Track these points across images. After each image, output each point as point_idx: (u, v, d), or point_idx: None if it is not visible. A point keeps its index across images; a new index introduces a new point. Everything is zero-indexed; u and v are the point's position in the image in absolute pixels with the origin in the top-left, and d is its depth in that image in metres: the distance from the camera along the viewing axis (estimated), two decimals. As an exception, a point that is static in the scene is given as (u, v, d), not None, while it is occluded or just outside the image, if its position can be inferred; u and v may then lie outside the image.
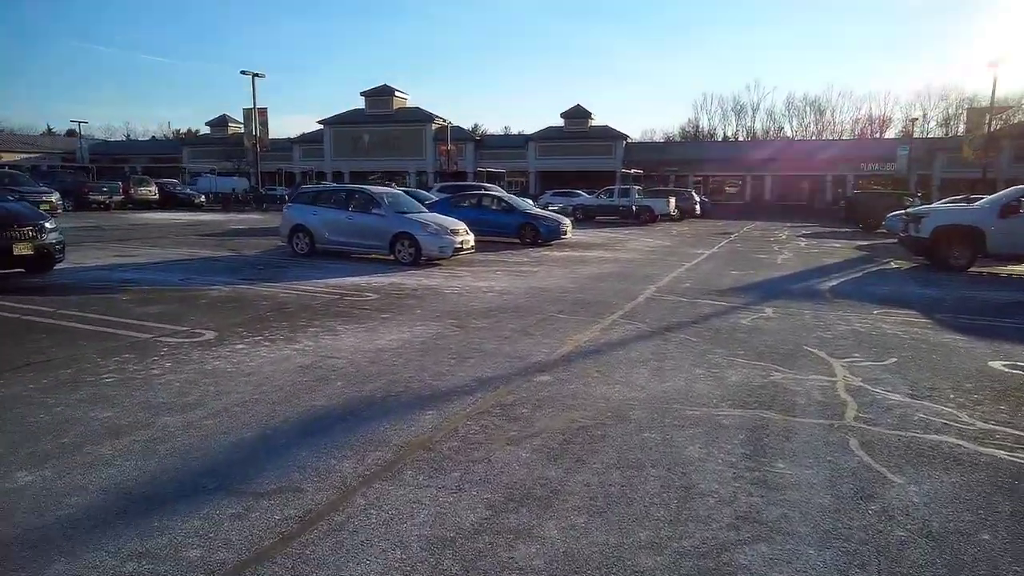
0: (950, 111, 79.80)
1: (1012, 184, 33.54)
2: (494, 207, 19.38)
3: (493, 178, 37.77)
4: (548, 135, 63.56)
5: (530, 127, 66.64)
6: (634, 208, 31.02)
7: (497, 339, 7.13)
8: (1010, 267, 15.48)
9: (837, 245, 21.99)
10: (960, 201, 22.11)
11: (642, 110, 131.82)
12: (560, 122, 63.97)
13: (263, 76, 38.60)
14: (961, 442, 4.42)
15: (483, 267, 13.57)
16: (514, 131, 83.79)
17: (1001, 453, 4.24)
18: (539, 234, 18.49)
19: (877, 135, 76.90)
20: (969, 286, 12.39)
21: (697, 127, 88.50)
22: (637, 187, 33.65)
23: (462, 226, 14.04)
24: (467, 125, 75.90)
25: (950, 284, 12.61)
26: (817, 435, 4.49)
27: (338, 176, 63.73)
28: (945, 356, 6.82)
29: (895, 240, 23.38)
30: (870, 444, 4.33)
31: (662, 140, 78.17)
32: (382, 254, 13.82)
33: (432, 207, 19.57)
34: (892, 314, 9.20)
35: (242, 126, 78.93)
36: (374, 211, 13.61)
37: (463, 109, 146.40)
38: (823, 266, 15.51)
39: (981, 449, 4.30)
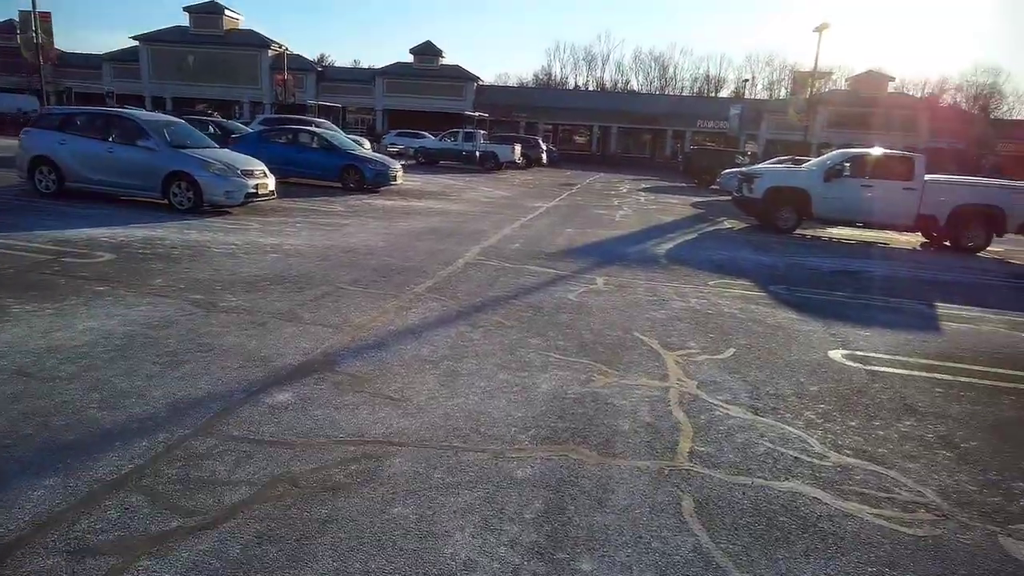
0: (774, 76, 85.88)
1: (825, 148, 35.49)
2: (313, 145, 16.84)
3: (329, 113, 34.38)
4: (397, 71, 59.66)
5: (382, 64, 61.78)
6: (478, 154, 29.40)
7: (246, 327, 5.26)
8: (830, 230, 15.85)
9: (674, 201, 21.93)
10: (787, 162, 22.83)
11: (497, 52, 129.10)
12: (410, 59, 60.22)
13: (39, -30, 31.69)
14: (817, 492, 3.35)
15: (282, 217, 11.34)
16: (365, 67, 78.22)
17: (866, 511, 3.20)
18: (364, 178, 16.33)
19: (713, 94, 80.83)
20: (798, 251, 12.22)
21: (550, 75, 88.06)
22: (482, 132, 31.99)
23: (260, 166, 11.64)
24: (312, 56, 69.76)
25: (780, 248, 12.39)
26: (641, 494, 3.20)
27: (159, 103, 55.78)
28: (784, 344, 5.97)
29: (729, 198, 23.97)
30: (708, 507, 3.12)
31: (515, 85, 76.81)
32: (155, 198, 11.11)
33: (239, 142, 16.74)
34: (728, 285, 8.44)
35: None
36: (141, 143, 10.78)
37: (308, 39, 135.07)
38: (661, 225, 14.94)
39: (843, 505, 3.24)
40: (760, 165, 18.56)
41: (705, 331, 6.22)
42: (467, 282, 7.53)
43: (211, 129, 20.56)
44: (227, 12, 58.90)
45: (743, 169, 16.98)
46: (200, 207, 10.79)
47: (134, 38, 58.31)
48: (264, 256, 8.07)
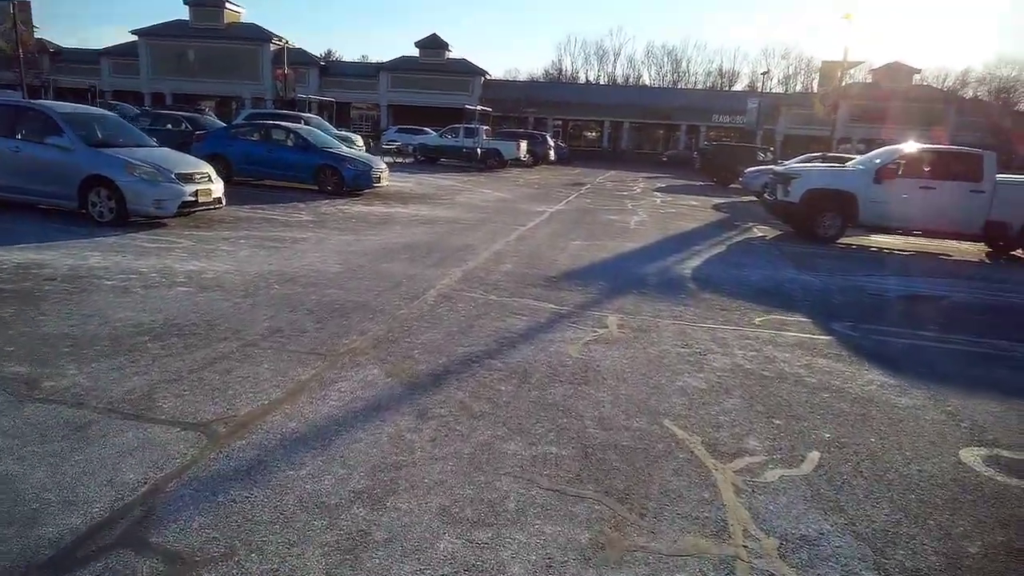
0: (790, 69, 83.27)
1: (846, 143, 32.86)
2: (288, 143, 14.88)
3: (323, 108, 32.48)
4: (402, 65, 57.76)
5: (389, 58, 59.70)
6: (479, 151, 27.39)
7: (50, 435, 3.33)
8: (876, 238, 13.75)
9: (694, 203, 19.84)
10: (816, 160, 20.70)
11: (507, 47, 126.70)
12: (415, 52, 58.22)
13: (20, -41, 30.01)
14: None
15: (226, 231, 9.42)
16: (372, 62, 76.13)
17: None
18: (342, 180, 14.38)
19: (727, 88, 78.27)
20: (848, 267, 10.16)
21: (560, 69, 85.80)
22: (485, 127, 29.98)
23: (204, 169, 9.72)
24: (319, 51, 67.86)
25: (827, 264, 10.34)
26: None
27: (159, 99, 54.25)
28: (888, 438, 3.97)
29: (753, 198, 21.84)
30: None
31: (525, 80, 74.60)
32: (74, 207, 9.20)
33: (204, 139, 14.88)
34: (779, 324, 6.43)
35: (36, 30, 65.94)
36: (52, 141, 8.87)
37: (315, 34, 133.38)
38: (682, 233, 12.89)
39: None
40: (795, 164, 16.45)
41: (767, 413, 4.23)
42: (432, 328, 5.56)
43: (183, 126, 18.74)
44: (228, 5, 57.25)
45: (777, 168, 14.88)
46: (124, 219, 8.87)
47: (133, 32, 56.78)
48: (168, 291, 6.14)
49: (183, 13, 56.66)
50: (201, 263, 7.29)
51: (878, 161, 12.53)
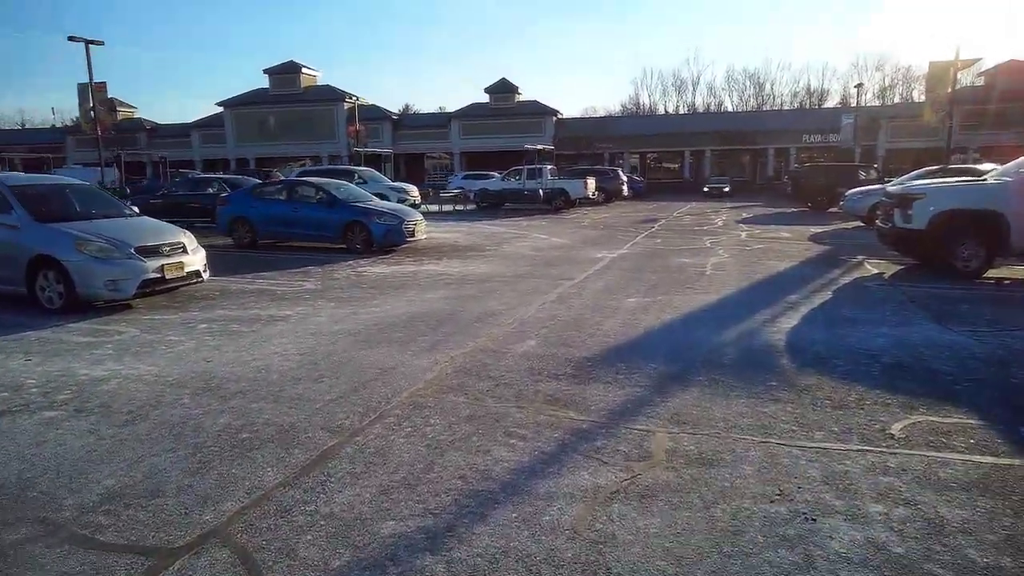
0: (886, 81, 77.49)
1: (960, 154, 28.39)
2: (314, 200, 13.55)
3: (376, 160, 31.81)
4: (472, 112, 57.62)
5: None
6: (542, 192, 25.54)
7: None
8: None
9: (786, 235, 17.01)
10: (936, 174, 17.46)
11: (581, 89, 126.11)
12: (486, 98, 57.95)
13: (101, 43, 31.52)
14: None
15: (194, 312, 7.83)
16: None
17: None
18: (371, 237, 12.81)
19: (816, 107, 73.54)
20: (1011, 315, 7.37)
21: (638, 104, 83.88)
22: (550, 167, 28.20)
23: (178, 239, 8.25)
24: (394, 107, 69.17)
25: (977, 311, 7.60)
26: None
27: (242, 164, 56.51)
28: None
29: (859, 223, 18.73)
30: None
31: (599, 117, 72.95)
32: (22, 293, 7.81)
33: (226, 203, 13.82)
34: (932, 434, 3.99)
35: (134, 110, 71.18)
36: (0, 218, 7.64)
37: (388, 90, 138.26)
38: (772, 277, 10.35)
39: None
40: (918, 181, 13.51)
41: None
42: (365, 476, 3.55)
43: (213, 188, 18.04)
44: (304, 70, 59.42)
45: (892, 188, 12.07)
46: (77, 304, 7.46)
47: (218, 104, 59.79)
48: (29, 417, 4.46)
49: (265, 82, 59.24)
50: (119, 365, 5.63)
51: (1031, 170, 9.60)
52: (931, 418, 4.34)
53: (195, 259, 8.26)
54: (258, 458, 3.81)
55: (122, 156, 28.55)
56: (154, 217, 17.75)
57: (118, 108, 66.71)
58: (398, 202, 19.12)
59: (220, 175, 21.21)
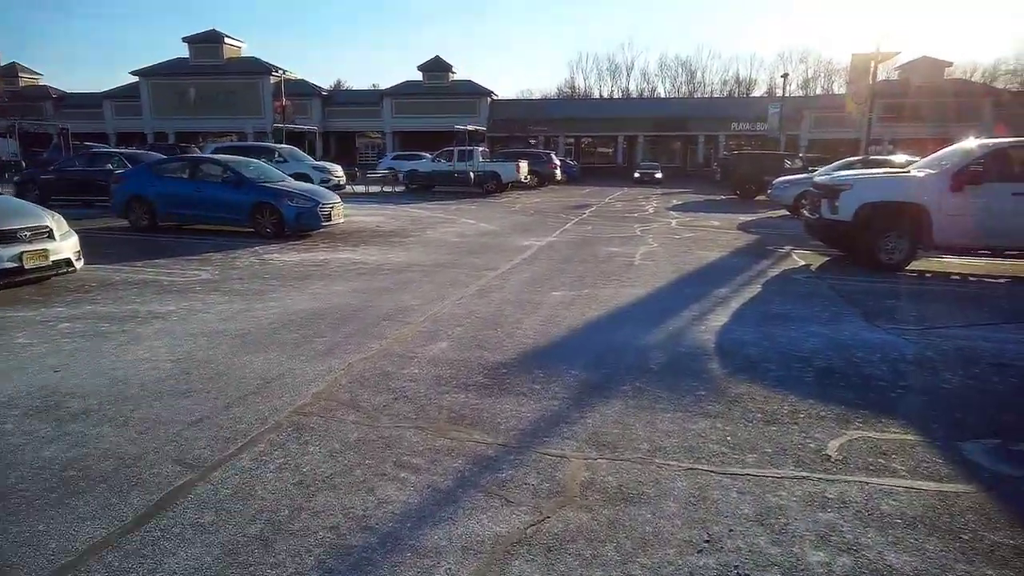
0: (809, 73, 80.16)
1: (876, 144, 29.20)
2: (220, 178, 12.42)
3: (300, 138, 30.30)
4: (405, 90, 55.95)
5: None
6: (473, 175, 24.81)
7: None
8: (948, 260, 10.74)
9: (716, 223, 16.94)
10: (857, 165, 17.78)
11: (518, 70, 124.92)
12: (419, 76, 56.31)
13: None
14: None
15: (57, 307, 6.83)
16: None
17: None
18: (282, 220, 11.83)
19: (744, 95, 75.31)
20: (940, 312, 7.25)
21: (573, 87, 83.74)
22: (481, 148, 27.46)
23: (42, 223, 7.16)
24: (326, 84, 66.38)
25: (904, 306, 7.47)
26: None
27: (162, 138, 52.94)
28: None
29: (785, 212, 18.88)
30: None
31: (534, 99, 72.33)
32: None
33: (121, 181, 12.53)
34: (871, 456, 3.61)
35: (38, 77, 65.66)
36: None
37: (318, 65, 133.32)
38: (701, 268, 10.06)
39: None
40: (843, 172, 13.53)
41: None
42: (221, 525, 2.86)
43: (113, 164, 16.51)
44: (227, 40, 56.17)
45: (819, 178, 12.00)
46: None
47: (133, 73, 55.85)
48: None
49: (185, 52, 55.70)
50: (-61, 378, 4.68)
51: (956, 162, 9.61)
52: (868, 434, 3.99)
53: (64, 246, 7.21)
54: (79, 506, 3.05)
55: (19, 126, 25.90)
56: (46, 196, 16.22)
57: (20, 74, 61.66)
58: (321, 183, 18.05)
59: (121, 150, 19.42)
